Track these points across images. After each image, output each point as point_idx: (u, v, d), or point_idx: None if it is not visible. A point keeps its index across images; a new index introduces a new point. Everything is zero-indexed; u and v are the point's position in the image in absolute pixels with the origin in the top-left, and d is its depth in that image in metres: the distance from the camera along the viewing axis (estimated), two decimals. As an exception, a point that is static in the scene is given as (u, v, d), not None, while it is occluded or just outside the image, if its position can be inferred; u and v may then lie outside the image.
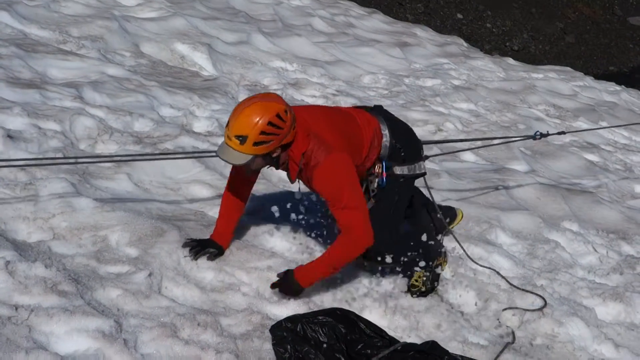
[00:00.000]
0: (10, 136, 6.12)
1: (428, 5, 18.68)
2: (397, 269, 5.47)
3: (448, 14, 18.71)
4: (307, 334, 4.54)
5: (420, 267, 5.48)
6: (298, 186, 5.30)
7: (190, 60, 9.87)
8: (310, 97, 9.88)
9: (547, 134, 7.50)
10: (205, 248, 5.24)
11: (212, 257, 5.23)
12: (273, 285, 5.01)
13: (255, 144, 4.67)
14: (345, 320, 4.64)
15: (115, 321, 4.36)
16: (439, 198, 7.15)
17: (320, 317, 4.62)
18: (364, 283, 5.46)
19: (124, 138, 6.71)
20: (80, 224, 5.26)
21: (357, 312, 4.89)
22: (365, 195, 5.29)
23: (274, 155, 4.83)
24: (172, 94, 8.26)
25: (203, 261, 5.17)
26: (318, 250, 5.59)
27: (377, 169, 5.33)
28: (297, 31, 12.55)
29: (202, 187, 6.34)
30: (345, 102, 9.91)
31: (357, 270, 5.52)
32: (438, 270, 5.60)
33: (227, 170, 5.94)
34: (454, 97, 11.66)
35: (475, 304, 5.61)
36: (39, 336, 4.15)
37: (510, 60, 15.94)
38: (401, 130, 5.46)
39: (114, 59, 9.12)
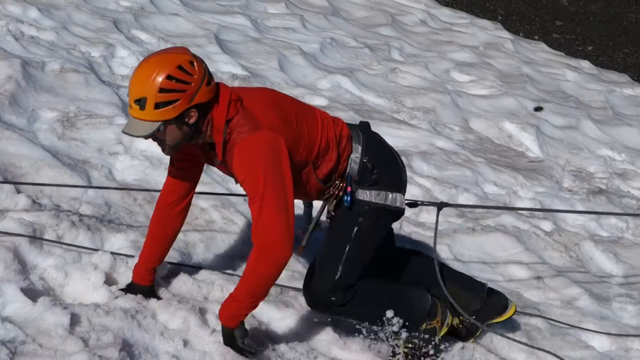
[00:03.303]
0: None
1: None
2: (364, 327, 4.50)
3: None
4: None
5: (401, 336, 4.48)
6: None
7: (517, 140, 9.89)
8: (637, 189, 9.54)
9: None
10: None
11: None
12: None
13: (158, 105, 3.80)
14: None
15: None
16: None
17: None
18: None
19: (448, 210, 6.83)
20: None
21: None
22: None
23: (190, 121, 3.89)
24: (497, 172, 8.32)
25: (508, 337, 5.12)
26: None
27: (335, 189, 4.37)
28: (627, 121, 12.18)
29: (519, 268, 6.31)
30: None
31: None
32: (430, 337, 4.55)
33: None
34: None
35: None
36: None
37: None
38: (378, 150, 4.48)
39: (443, 131, 9.34)
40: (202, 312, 4.43)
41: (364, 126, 4.58)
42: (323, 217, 4.54)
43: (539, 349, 5.04)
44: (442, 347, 4.70)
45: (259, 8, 12.45)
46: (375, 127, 8.40)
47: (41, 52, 7.67)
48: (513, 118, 10.36)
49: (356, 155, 4.35)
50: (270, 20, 11.93)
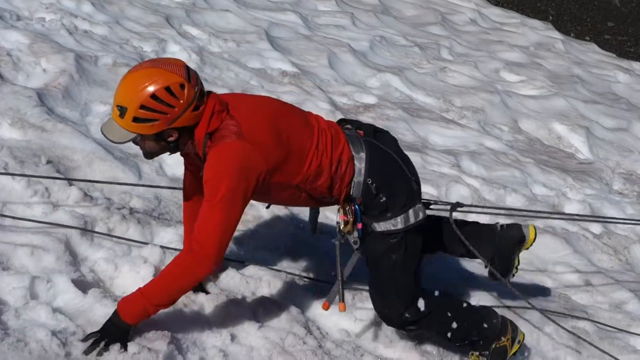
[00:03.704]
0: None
1: None
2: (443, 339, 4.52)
3: None
4: None
5: (475, 350, 4.58)
6: None
7: (566, 142, 9.81)
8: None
9: None
10: None
11: None
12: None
13: (136, 119, 3.70)
14: None
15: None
16: None
17: None
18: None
19: (497, 210, 6.79)
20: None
21: None
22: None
23: (169, 139, 3.83)
24: (546, 173, 8.27)
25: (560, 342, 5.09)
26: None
27: (346, 214, 4.20)
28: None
29: (567, 270, 6.26)
30: None
31: None
32: (501, 356, 4.57)
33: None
34: None
35: None
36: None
37: None
38: (383, 167, 4.21)
39: (492, 131, 9.29)
40: (249, 307, 4.46)
41: (369, 133, 4.34)
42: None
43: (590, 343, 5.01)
44: None
45: (309, 5, 12.48)
46: (424, 126, 8.53)
47: (94, 47, 7.75)
48: (563, 119, 10.28)
49: (359, 178, 4.15)
50: (321, 18, 11.95)
